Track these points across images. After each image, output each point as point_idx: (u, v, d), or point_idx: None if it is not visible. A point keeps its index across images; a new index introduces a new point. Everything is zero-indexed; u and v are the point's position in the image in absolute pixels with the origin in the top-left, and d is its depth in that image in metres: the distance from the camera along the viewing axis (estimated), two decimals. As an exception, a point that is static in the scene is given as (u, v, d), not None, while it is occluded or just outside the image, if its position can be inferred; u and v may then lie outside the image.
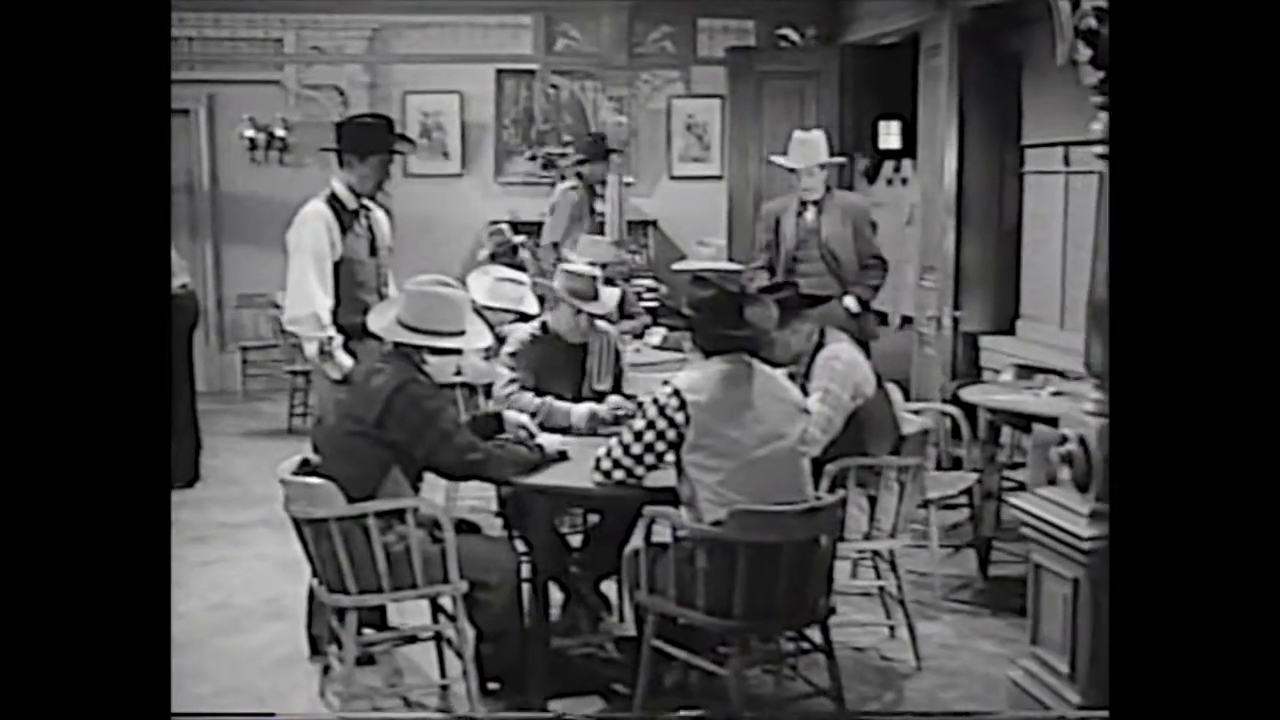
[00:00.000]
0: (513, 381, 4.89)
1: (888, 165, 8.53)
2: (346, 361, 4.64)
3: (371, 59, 9.85)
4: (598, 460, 3.85)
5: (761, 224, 6.76)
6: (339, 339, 4.66)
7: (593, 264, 6.06)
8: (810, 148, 6.48)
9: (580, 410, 4.83)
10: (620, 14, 8.57)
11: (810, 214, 6.50)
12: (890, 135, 9.28)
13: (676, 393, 3.69)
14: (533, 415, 4.58)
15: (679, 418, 3.66)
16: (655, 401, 3.72)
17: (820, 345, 4.43)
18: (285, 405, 8.84)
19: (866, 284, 6.41)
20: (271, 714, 4.28)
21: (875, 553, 4.57)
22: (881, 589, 4.80)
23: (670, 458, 3.73)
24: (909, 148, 8.57)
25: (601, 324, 5.14)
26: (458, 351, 4.19)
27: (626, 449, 3.76)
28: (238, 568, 5.70)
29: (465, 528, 4.22)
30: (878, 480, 4.40)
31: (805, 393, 4.23)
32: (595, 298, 4.97)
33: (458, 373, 6.03)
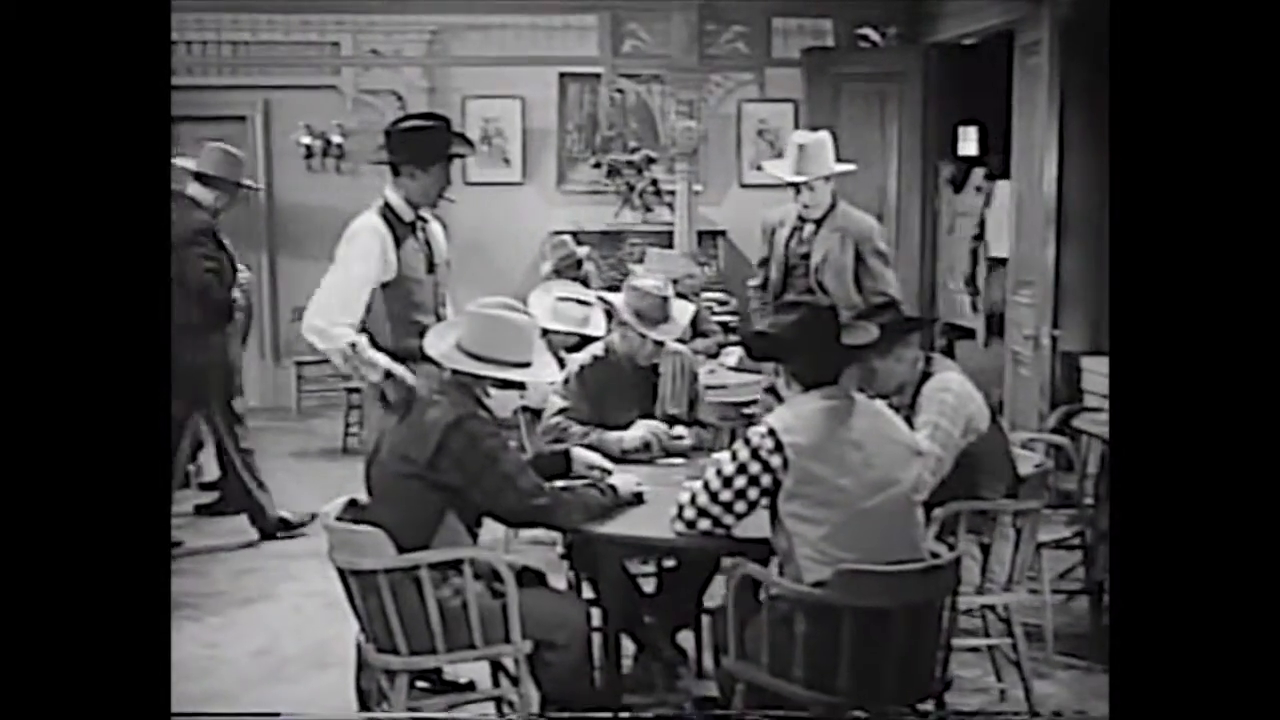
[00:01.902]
0: (562, 412, 4.46)
1: (976, 172, 7.99)
2: (380, 359, 4.20)
3: (431, 62, 9.50)
4: (680, 508, 3.39)
5: (761, 236, 5.72)
6: (363, 339, 4.23)
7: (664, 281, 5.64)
8: (812, 155, 5.26)
9: (633, 435, 4.39)
10: (690, 13, 8.11)
11: (807, 233, 5.38)
12: (968, 141, 8.79)
13: (771, 432, 3.22)
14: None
15: (774, 461, 3.20)
16: (747, 442, 3.26)
17: (927, 374, 3.94)
18: (340, 423, 8.49)
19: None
20: (276, 714, 4.12)
21: (987, 607, 4.08)
22: (992, 648, 4.28)
23: (765, 503, 3.28)
24: (999, 155, 8.07)
25: (673, 343, 4.70)
26: (521, 386, 3.75)
27: (714, 496, 3.30)
28: (284, 606, 5.31)
29: (529, 577, 3.79)
30: (992, 526, 3.90)
31: (910, 427, 3.75)
32: (665, 320, 4.51)
33: (521, 396, 5.61)
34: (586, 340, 5.81)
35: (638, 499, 3.77)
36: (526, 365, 3.70)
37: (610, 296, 4.99)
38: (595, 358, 4.62)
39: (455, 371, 3.67)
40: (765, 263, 5.63)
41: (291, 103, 9.57)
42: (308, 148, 9.52)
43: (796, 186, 5.30)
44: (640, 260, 7.50)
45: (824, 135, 5.42)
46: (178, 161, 5.85)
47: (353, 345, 4.20)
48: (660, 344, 4.53)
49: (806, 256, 5.32)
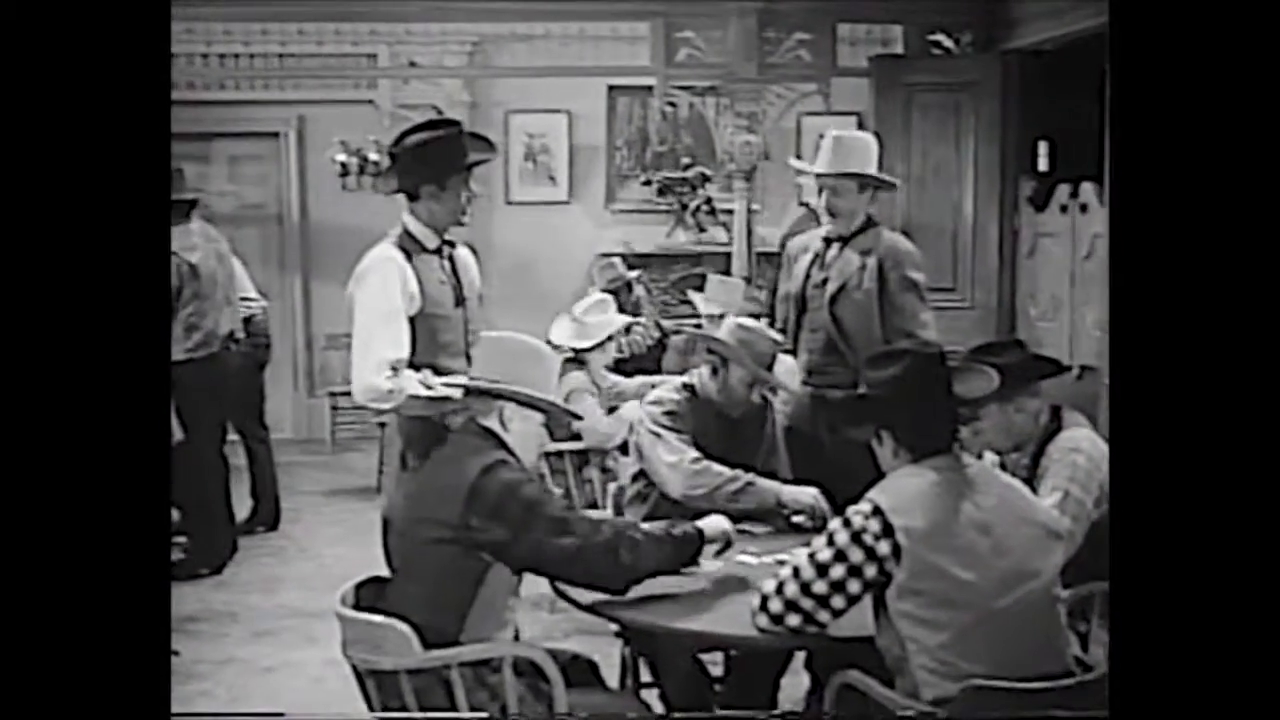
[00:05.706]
0: (682, 438, 3.83)
1: (1062, 189, 7.37)
2: (455, 379, 3.57)
3: (472, 73, 9.00)
4: (764, 599, 2.78)
5: (783, 267, 4.73)
6: (425, 373, 3.63)
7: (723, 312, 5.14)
8: (848, 151, 4.28)
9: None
10: (749, 19, 7.53)
11: (830, 257, 4.34)
12: (1043, 156, 8.22)
13: (877, 512, 2.62)
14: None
15: (882, 548, 2.60)
16: (847, 524, 2.66)
17: (1055, 430, 3.33)
18: (376, 458, 7.97)
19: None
20: (280, 714, 3.98)
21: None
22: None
23: (869, 597, 2.68)
24: (1080, 170, 7.48)
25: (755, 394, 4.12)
26: (542, 410, 3.19)
27: (805, 587, 2.70)
28: (303, 677, 4.73)
29: (578, 670, 3.22)
30: (1130, 612, 3.29)
31: (1033, 492, 3.14)
32: (772, 365, 3.95)
33: (575, 437, 5.06)
34: (625, 359, 5.39)
35: (726, 545, 3.22)
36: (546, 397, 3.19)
37: (714, 330, 4.45)
38: (683, 395, 3.96)
39: (468, 392, 3.19)
40: (784, 300, 4.55)
41: (326, 118, 9.09)
42: (343, 165, 9.00)
43: (821, 195, 4.36)
44: (700, 288, 6.95)
45: (869, 136, 4.58)
46: None
47: (424, 384, 3.62)
48: (768, 395, 3.99)
49: (824, 285, 4.31)
